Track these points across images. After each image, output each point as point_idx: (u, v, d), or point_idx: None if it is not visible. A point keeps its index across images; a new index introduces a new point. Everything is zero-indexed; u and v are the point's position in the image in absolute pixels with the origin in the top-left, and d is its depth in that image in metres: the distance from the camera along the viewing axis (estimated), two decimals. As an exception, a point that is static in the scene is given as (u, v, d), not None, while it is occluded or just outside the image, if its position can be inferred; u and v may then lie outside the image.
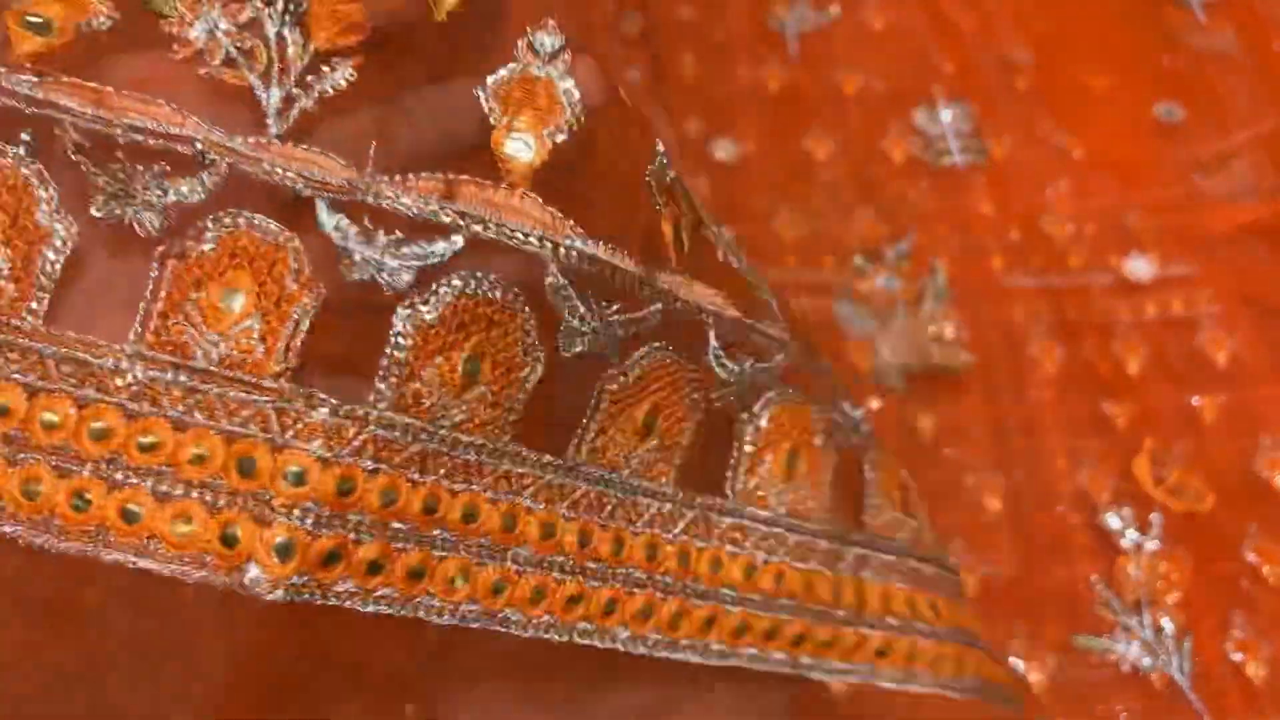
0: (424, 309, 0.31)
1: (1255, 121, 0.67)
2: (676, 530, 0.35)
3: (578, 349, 0.33)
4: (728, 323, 0.36)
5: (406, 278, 0.31)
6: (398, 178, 0.31)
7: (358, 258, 0.30)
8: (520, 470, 0.33)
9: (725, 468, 0.36)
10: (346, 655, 0.34)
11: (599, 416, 0.34)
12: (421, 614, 0.30)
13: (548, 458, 0.33)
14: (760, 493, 0.37)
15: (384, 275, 0.31)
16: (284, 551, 0.29)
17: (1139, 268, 0.63)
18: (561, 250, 0.32)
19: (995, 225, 0.65)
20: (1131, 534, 0.56)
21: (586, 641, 0.32)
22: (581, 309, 0.33)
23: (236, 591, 0.28)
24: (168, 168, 0.30)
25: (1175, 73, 0.69)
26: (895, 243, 0.65)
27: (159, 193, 0.30)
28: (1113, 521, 0.56)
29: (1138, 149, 0.68)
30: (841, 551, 0.38)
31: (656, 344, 0.34)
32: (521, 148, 0.33)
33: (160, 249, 0.30)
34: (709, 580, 0.35)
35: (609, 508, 0.34)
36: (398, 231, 0.31)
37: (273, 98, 0.31)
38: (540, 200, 0.32)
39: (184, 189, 0.30)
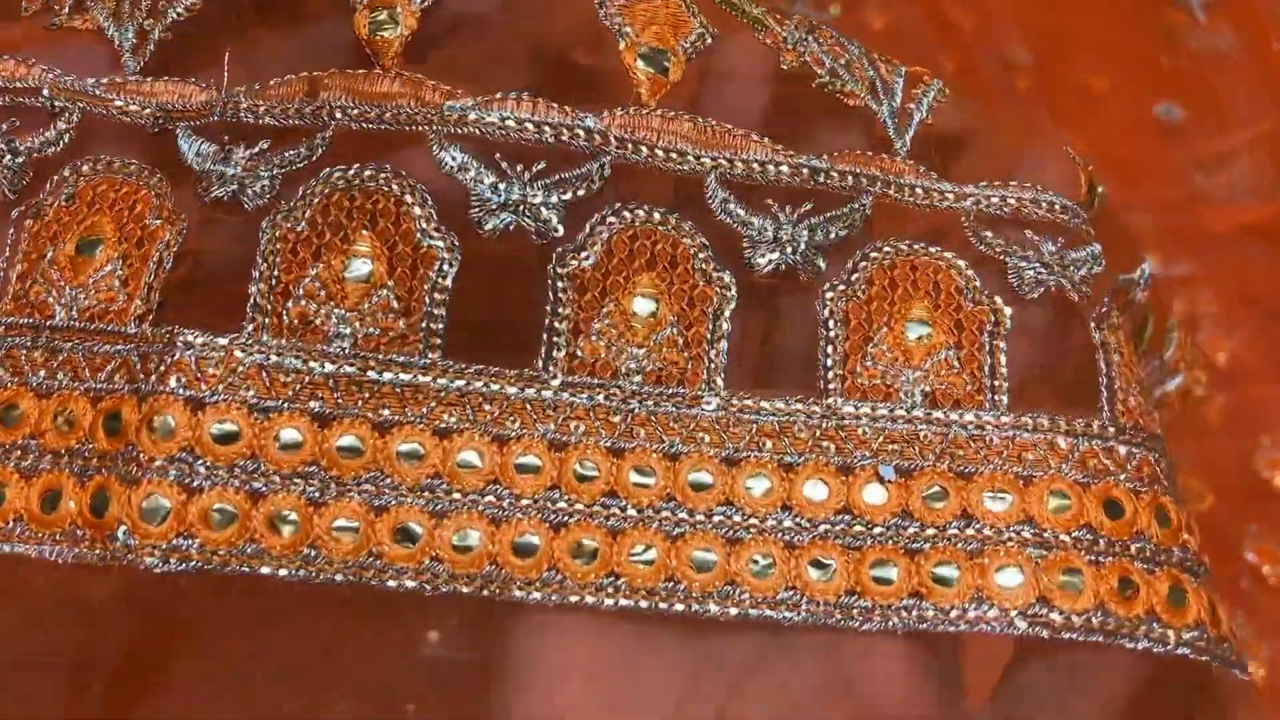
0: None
1: (1255, 121, 0.67)
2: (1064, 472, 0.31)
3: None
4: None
5: (266, 186, 0.29)
6: (255, 87, 0.30)
7: (215, 177, 0.29)
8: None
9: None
10: (340, 650, 0.33)
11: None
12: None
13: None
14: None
15: (246, 192, 0.29)
16: (153, 515, 0.27)
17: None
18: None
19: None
20: (1132, 534, 0.56)
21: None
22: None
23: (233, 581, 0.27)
24: (16, 123, 0.29)
25: (1175, 73, 0.69)
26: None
27: (9, 153, 0.29)
28: (1114, 522, 0.56)
29: (1137, 149, 0.67)
30: None
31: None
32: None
33: (16, 210, 0.29)
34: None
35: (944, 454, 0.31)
36: (262, 144, 0.30)
37: (126, 34, 0.31)
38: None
39: (35, 143, 0.29)
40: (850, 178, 0.32)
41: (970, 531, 0.30)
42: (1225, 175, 0.66)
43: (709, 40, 0.33)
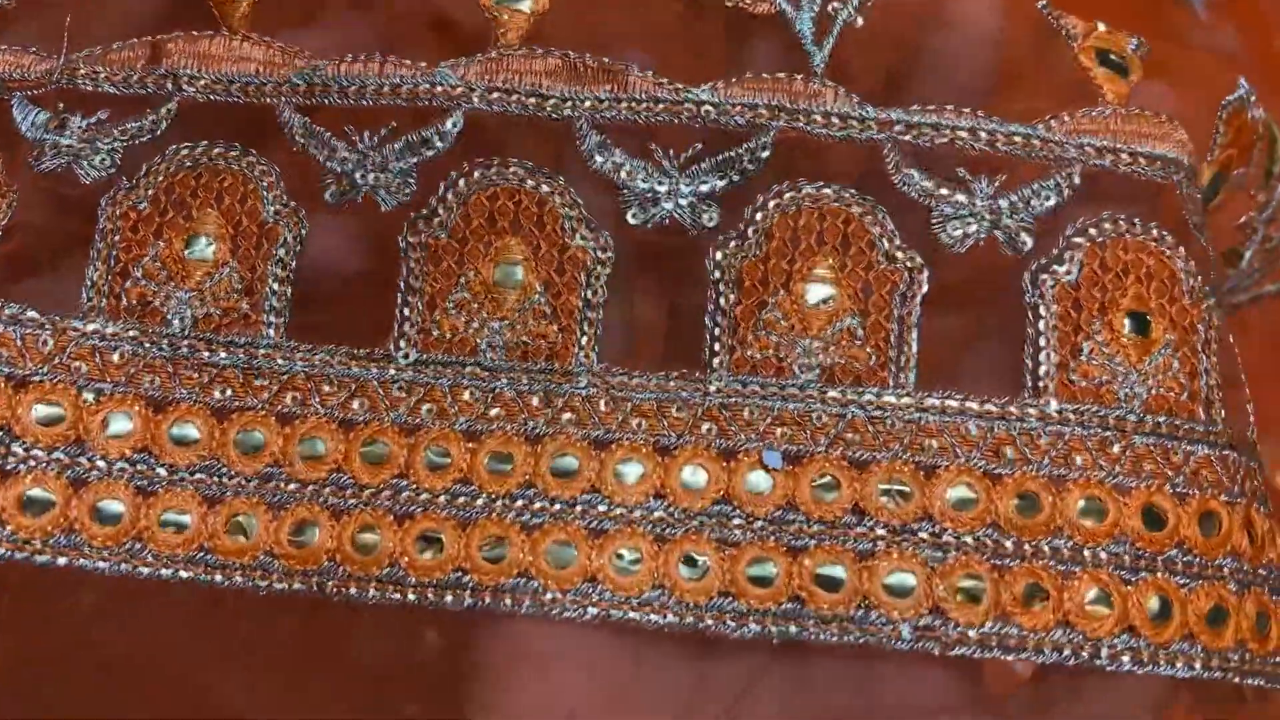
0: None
1: (1257, 120, 0.67)
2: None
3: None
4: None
5: (105, 160, 0.28)
6: (97, 51, 0.28)
7: (48, 147, 0.28)
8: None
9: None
10: (343, 653, 0.32)
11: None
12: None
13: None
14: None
15: (83, 165, 0.28)
16: None
17: (1141, 267, 0.63)
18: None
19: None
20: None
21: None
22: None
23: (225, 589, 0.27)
24: None
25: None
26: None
27: None
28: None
29: (1139, 148, 0.67)
30: None
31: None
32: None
33: None
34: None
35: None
36: (101, 114, 0.28)
37: None
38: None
39: None
40: (748, 111, 0.28)
41: (862, 529, 0.27)
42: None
43: None
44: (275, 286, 0.28)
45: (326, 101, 0.28)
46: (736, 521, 0.27)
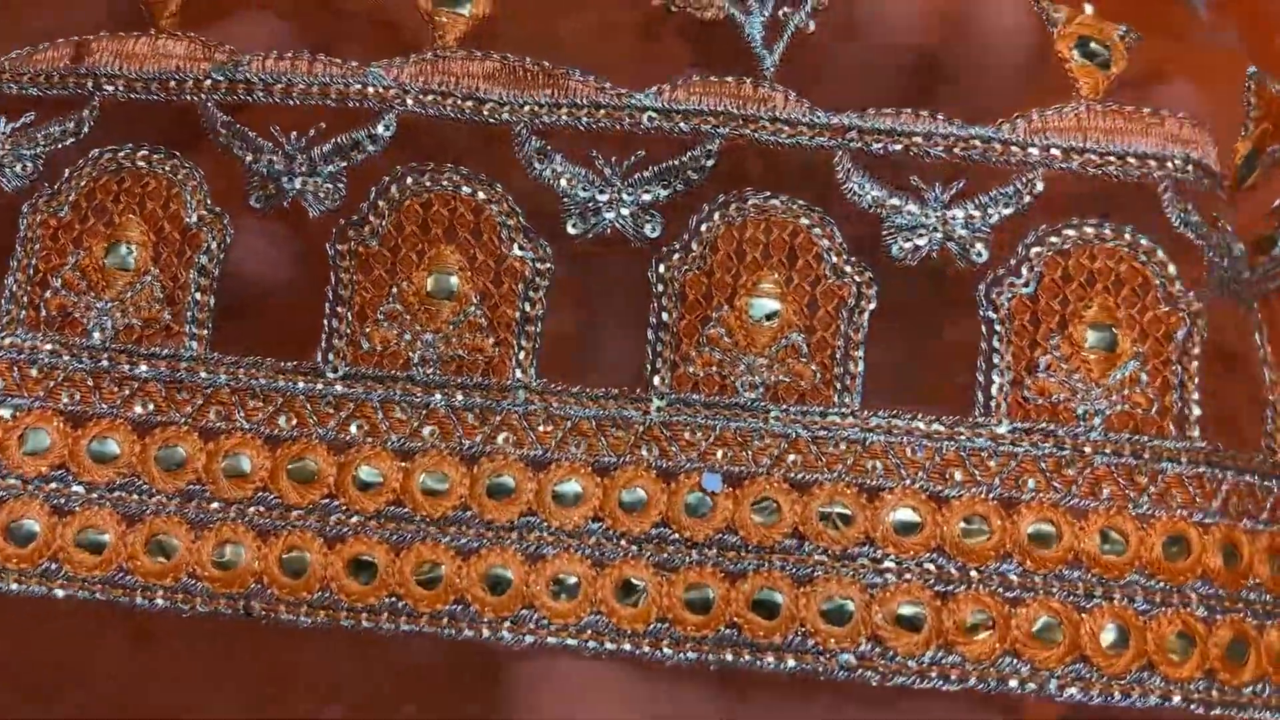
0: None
1: (1259, 119, 0.66)
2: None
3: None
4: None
5: (29, 166, 0.28)
6: (24, 52, 0.28)
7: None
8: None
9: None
10: (314, 675, 0.32)
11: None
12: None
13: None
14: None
15: (5, 173, 0.28)
16: None
17: (1141, 268, 0.62)
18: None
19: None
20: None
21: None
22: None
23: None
24: None
25: (1177, 70, 0.69)
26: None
27: None
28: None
29: (1139, 147, 0.67)
30: None
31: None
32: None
33: None
34: None
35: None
36: (26, 117, 0.28)
37: None
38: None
39: None
40: (693, 117, 0.28)
41: (801, 554, 0.27)
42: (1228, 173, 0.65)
43: None
44: (198, 296, 0.28)
45: (251, 99, 0.28)
46: (675, 545, 0.27)
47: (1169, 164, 0.28)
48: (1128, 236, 0.28)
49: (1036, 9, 0.29)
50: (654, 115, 0.28)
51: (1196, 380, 0.28)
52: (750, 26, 0.28)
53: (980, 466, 0.27)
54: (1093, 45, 0.29)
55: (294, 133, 0.28)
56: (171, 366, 0.27)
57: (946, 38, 0.28)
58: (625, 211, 0.28)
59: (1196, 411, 0.28)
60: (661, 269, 0.27)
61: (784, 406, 0.27)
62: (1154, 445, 0.27)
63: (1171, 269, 0.28)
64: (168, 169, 0.28)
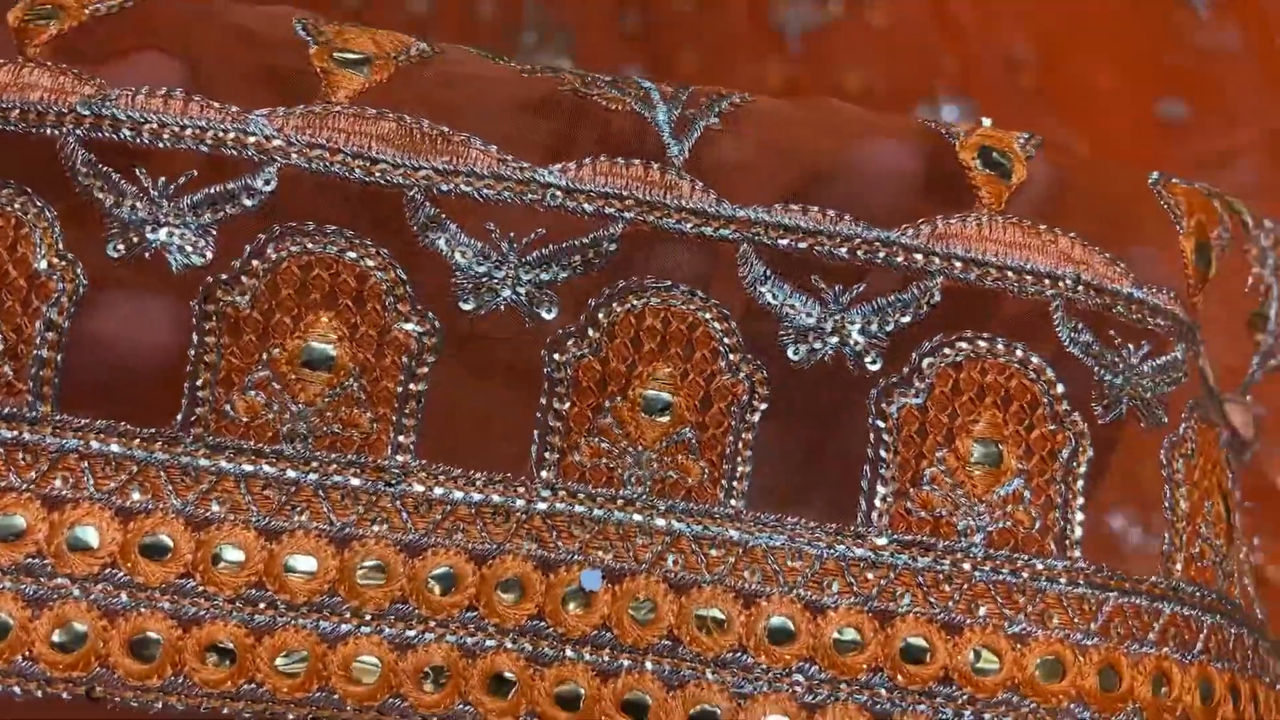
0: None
1: (1260, 119, 0.67)
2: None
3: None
4: (1083, 290, 0.27)
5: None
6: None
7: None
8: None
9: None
10: None
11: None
12: None
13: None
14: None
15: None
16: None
17: (1143, 267, 0.63)
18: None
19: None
20: (1135, 535, 0.55)
21: None
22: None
23: None
24: None
25: (1179, 70, 0.69)
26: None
27: None
28: (1117, 523, 0.56)
29: (1141, 146, 0.67)
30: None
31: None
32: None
33: None
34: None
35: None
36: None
37: None
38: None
39: None
40: (596, 199, 0.26)
41: (675, 657, 0.25)
42: (1229, 173, 0.65)
43: (432, 52, 0.28)
44: (45, 352, 0.25)
45: (118, 138, 0.25)
46: (550, 639, 0.25)
47: (1060, 283, 0.27)
48: (1019, 353, 0.27)
49: (936, 124, 0.29)
50: (558, 193, 0.26)
51: (1080, 500, 0.27)
52: (659, 115, 0.27)
53: (858, 577, 0.26)
54: (995, 155, 0.28)
55: (162, 178, 0.25)
56: (13, 428, 0.24)
57: (849, 147, 0.28)
58: (521, 290, 0.26)
59: (1079, 532, 0.27)
60: (556, 353, 0.26)
61: (669, 503, 0.26)
62: (1034, 564, 0.26)
63: (1059, 388, 0.27)
64: (15, 207, 0.25)
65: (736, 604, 0.25)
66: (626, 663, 0.25)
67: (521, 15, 0.75)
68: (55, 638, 0.24)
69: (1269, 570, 0.54)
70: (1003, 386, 0.26)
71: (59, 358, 0.25)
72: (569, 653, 0.25)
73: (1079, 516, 0.27)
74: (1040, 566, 0.26)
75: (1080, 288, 0.27)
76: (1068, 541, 0.26)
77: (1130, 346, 0.27)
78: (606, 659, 0.25)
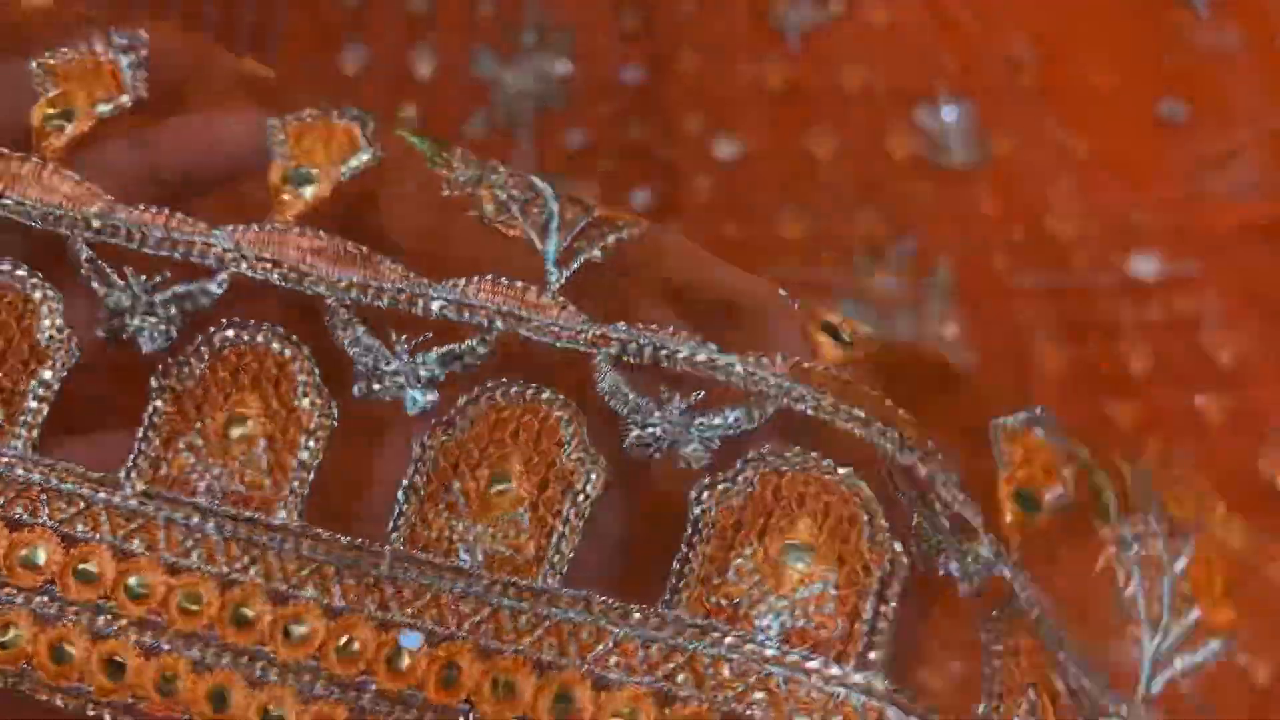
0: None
1: (1260, 119, 0.67)
2: None
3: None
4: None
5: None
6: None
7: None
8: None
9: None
10: None
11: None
12: None
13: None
14: None
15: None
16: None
17: (1143, 266, 0.63)
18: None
19: (998, 224, 0.65)
20: (1136, 536, 0.56)
21: None
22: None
23: None
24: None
25: (1180, 70, 0.69)
26: (897, 242, 0.64)
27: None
28: (1117, 523, 0.56)
29: (1142, 147, 0.67)
30: None
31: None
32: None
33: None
34: None
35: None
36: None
37: None
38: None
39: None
40: (478, 311, 0.30)
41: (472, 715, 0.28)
42: (1230, 174, 0.66)
43: (373, 164, 0.33)
44: (34, 404, 0.30)
45: (113, 242, 0.31)
46: (369, 698, 0.28)
47: (886, 437, 0.29)
48: (842, 472, 0.29)
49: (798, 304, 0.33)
50: (445, 305, 0.30)
51: (888, 628, 0.28)
52: (549, 246, 0.31)
53: (641, 651, 0.28)
54: (840, 332, 0.32)
55: (143, 276, 0.30)
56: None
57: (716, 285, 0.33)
58: (405, 382, 0.30)
59: (886, 653, 0.28)
60: (424, 438, 0.30)
61: (494, 577, 0.29)
62: (824, 670, 0.27)
63: (882, 521, 0.28)
64: (30, 286, 0.31)
65: (531, 674, 0.28)
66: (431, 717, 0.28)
67: (521, 14, 0.75)
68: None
69: (1269, 570, 0.54)
70: (823, 499, 0.28)
71: (44, 409, 0.30)
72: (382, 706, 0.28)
73: (887, 637, 0.28)
74: (834, 671, 0.27)
75: (635, 342, 0.30)
76: (869, 655, 0.28)
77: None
78: (414, 715, 0.28)
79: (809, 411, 0.29)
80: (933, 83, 0.71)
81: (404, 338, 0.30)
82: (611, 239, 0.32)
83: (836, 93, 0.72)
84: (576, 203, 0.33)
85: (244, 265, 0.30)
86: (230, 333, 0.30)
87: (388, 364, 0.30)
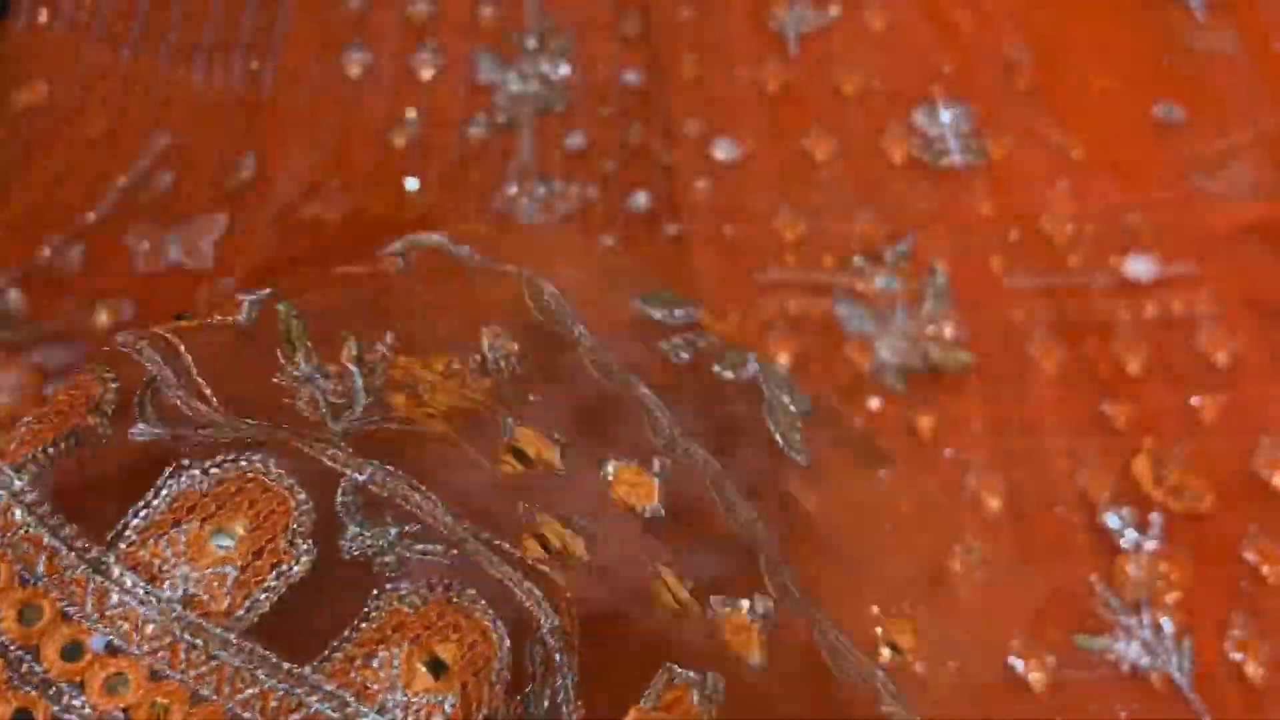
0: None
1: (1255, 121, 0.67)
2: None
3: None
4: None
5: None
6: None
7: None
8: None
9: None
10: None
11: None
12: None
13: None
14: None
15: None
16: None
17: (1139, 267, 0.63)
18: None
19: (995, 225, 0.65)
20: (1131, 534, 0.56)
21: None
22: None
23: None
24: None
25: (1175, 72, 0.69)
26: (895, 243, 0.65)
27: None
28: (1112, 521, 0.56)
29: (1137, 149, 0.68)
30: None
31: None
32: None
33: None
34: None
35: None
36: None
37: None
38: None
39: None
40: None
41: None
42: (1225, 174, 0.66)
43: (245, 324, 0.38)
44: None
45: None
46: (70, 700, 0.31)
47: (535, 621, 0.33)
48: (491, 613, 0.33)
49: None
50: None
51: (275, 598, 0.32)
52: (335, 426, 0.36)
53: (276, 701, 0.31)
54: (550, 532, 0.35)
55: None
56: None
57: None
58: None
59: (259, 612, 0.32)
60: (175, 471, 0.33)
61: (184, 614, 0.31)
62: None
63: (507, 672, 0.32)
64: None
65: (186, 702, 0.31)
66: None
67: (522, 18, 0.76)
68: None
69: (1265, 570, 0.55)
70: (470, 636, 0.32)
71: None
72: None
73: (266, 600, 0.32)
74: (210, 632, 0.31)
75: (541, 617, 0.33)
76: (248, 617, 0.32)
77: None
78: (84, 713, 0.31)
79: (492, 571, 0.33)
80: (930, 85, 0.71)
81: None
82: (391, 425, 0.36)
83: (834, 95, 0.72)
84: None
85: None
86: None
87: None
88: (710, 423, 0.43)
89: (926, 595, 0.44)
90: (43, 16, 0.72)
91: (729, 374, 0.45)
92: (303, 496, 0.33)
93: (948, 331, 0.62)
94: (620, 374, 0.42)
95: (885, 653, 0.42)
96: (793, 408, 0.45)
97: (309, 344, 0.37)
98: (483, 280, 0.44)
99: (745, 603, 0.37)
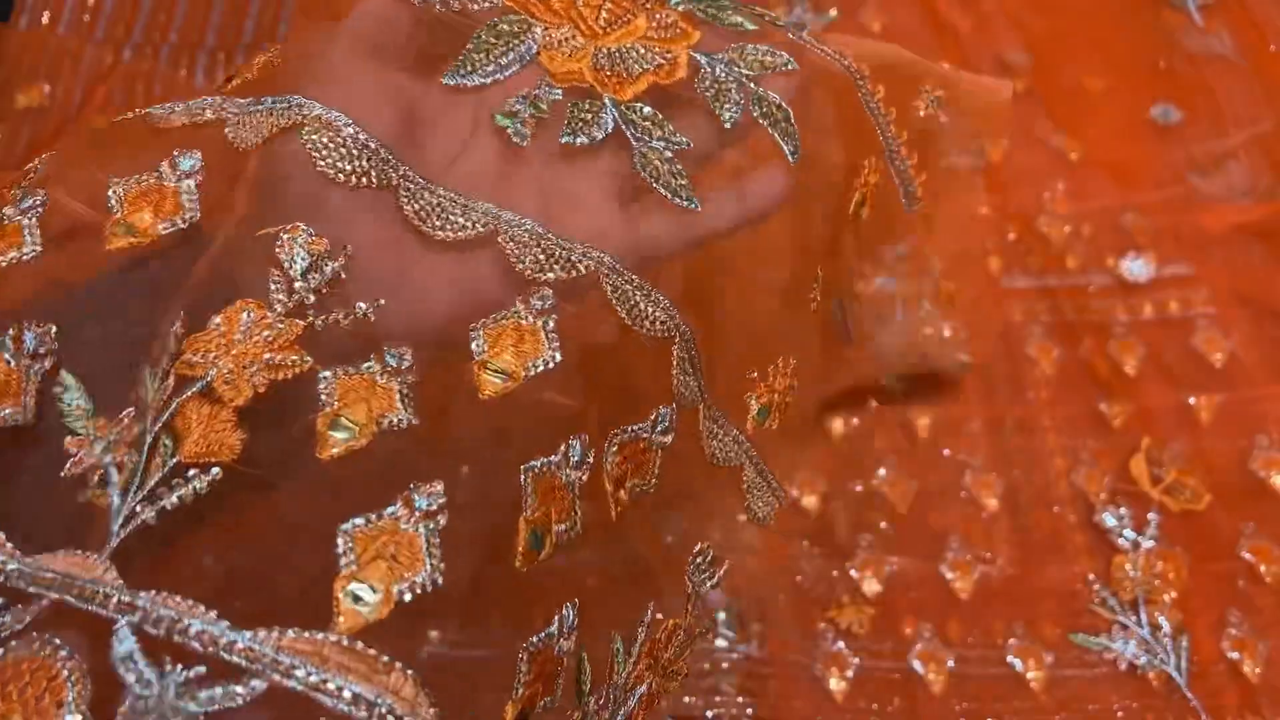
0: None
1: (1251, 123, 0.67)
2: None
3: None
4: None
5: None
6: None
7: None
8: None
9: None
10: None
11: None
12: None
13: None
14: None
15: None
16: None
17: (1136, 268, 0.64)
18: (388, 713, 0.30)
19: (993, 226, 0.66)
20: (1128, 533, 0.56)
21: None
22: None
23: None
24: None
25: (1172, 74, 0.70)
26: (893, 243, 0.65)
27: None
28: (1109, 520, 0.56)
29: (1134, 150, 0.68)
30: None
31: None
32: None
33: None
34: None
35: None
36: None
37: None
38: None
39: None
40: (44, 577, 0.32)
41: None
42: (1222, 176, 0.66)
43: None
44: None
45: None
46: None
47: (375, 711, 0.30)
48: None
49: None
50: (15, 572, 0.31)
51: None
52: (118, 507, 0.32)
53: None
54: (362, 591, 0.32)
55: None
56: None
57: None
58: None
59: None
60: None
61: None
62: None
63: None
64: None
65: None
66: None
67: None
68: None
69: (1262, 568, 0.55)
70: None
71: None
72: None
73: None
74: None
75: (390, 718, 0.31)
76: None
77: None
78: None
79: (298, 686, 0.30)
80: (928, 87, 0.71)
81: None
82: (177, 496, 0.32)
83: (833, 96, 0.72)
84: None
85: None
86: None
87: None
88: None
89: None
90: (44, 18, 0.72)
91: (583, 139, 0.37)
92: (73, 664, 0.30)
93: (946, 332, 0.62)
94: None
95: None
96: (668, 152, 0.38)
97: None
98: None
99: None
